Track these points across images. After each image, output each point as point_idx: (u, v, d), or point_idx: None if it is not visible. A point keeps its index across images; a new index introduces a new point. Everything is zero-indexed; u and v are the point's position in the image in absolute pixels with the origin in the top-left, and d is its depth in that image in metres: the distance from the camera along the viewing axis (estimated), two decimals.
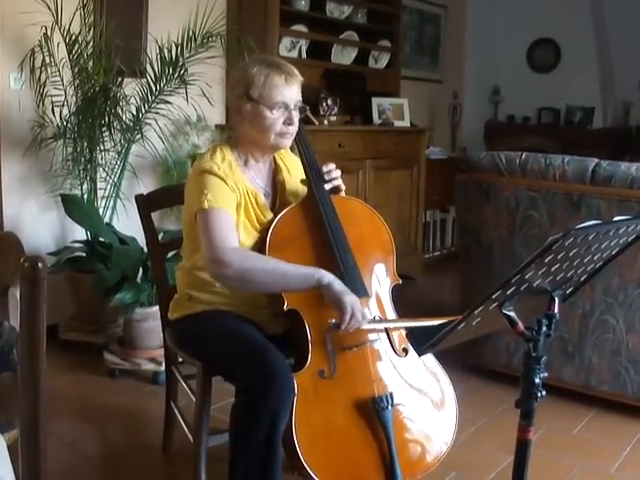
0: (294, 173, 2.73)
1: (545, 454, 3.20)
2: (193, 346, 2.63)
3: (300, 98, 2.57)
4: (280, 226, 2.53)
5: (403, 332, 2.60)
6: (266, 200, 2.64)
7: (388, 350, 2.54)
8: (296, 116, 2.55)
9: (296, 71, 2.57)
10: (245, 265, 2.36)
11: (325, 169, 2.65)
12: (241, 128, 2.61)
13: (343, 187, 2.73)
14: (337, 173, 2.67)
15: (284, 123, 2.52)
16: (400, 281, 2.71)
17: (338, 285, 2.38)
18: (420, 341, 2.20)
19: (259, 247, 2.53)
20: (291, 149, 2.76)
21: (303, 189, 2.68)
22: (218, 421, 2.94)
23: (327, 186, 2.64)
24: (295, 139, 2.66)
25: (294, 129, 2.56)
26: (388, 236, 2.74)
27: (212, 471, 2.60)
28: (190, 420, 2.74)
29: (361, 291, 2.51)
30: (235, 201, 2.50)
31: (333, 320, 2.37)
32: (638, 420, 3.59)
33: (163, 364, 3.31)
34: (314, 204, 2.59)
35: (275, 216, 2.57)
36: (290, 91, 2.51)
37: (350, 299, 2.35)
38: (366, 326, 2.43)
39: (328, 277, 2.37)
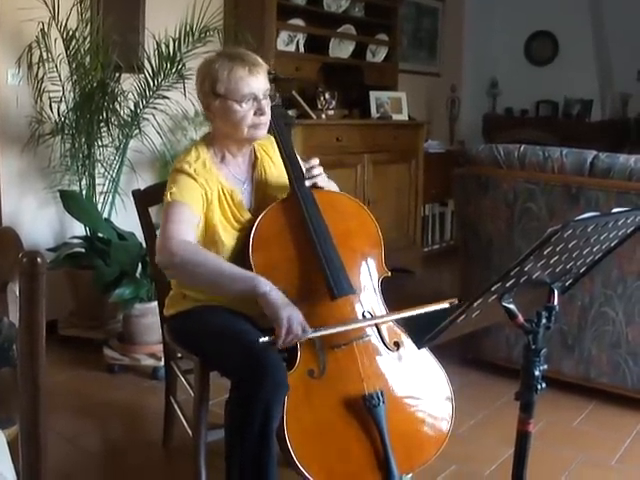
0: (279, 164, 2.71)
1: (545, 447, 3.20)
2: (188, 342, 2.63)
3: (268, 86, 2.55)
4: (262, 225, 2.52)
5: (394, 326, 2.59)
6: (247, 194, 2.63)
7: (379, 345, 2.53)
8: (267, 105, 2.54)
9: (260, 60, 2.55)
10: (188, 258, 2.37)
11: (307, 165, 2.64)
12: (214, 124, 2.62)
13: (326, 182, 2.71)
14: (319, 170, 2.65)
15: (255, 114, 2.51)
16: (389, 273, 2.68)
17: (275, 297, 2.33)
18: (419, 334, 2.20)
19: (242, 246, 2.53)
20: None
21: (287, 181, 2.66)
22: (217, 416, 2.92)
23: (308, 182, 2.61)
24: (274, 132, 2.66)
25: (266, 118, 2.55)
26: (375, 228, 2.70)
27: (211, 466, 2.60)
28: (189, 415, 2.75)
29: (347, 288, 2.50)
30: (202, 198, 2.50)
31: (265, 338, 2.30)
32: (638, 412, 3.59)
33: (162, 359, 3.31)
34: (295, 201, 2.58)
35: (255, 213, 2.56)
36: (256, 81, 2.50)
37: (286, 312, 2.30)
38: (311, 335, 2.35)
39: (265, 287, 2.33)
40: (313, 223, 2.53)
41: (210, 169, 2.55)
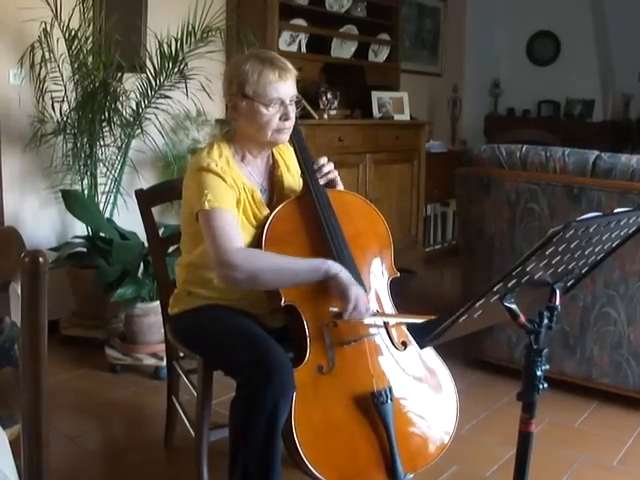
0: (294, 170, 2.72)
1: (547, 447, 3.20)
2: (193, 341, 2.62)
3: (295, 92, 2.54)
4: (276, 221, 2.52)
5: (402, 326, 2.60)
6: (263, 196, 2.63)
7: (387, 344, 2.54)
8: (292, 111, 2.53)
9: (289, 65, 2.54)
10: (254, 266, 2.36)
11: (317, 163, 2.65)
12: (238, 124, 2.60)
13: (339, 179, 2.73)
14: (330, 167, 2.66)
15: (280, 119, 2.50)
16: (398, 274, 2.70)
17: (345, 275, 2.38)
18: (422, 334, 2.20)
19: (256, 243, 2.52)
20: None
21: (301, 186, 2.67)
22: (220, 415, 2.94)
23: (322, 180, 2.63)
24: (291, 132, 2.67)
25: (291, 124, 2.54)
26: (385, 229, 2.72)
27: (214, 465, 2.60)
28: (192, 415, 2.75)
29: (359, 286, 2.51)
30: (235, 197, 2.48)
31: (335, 308, 2.38)
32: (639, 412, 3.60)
33: (164, 359, 3.32)
34: (310, 199, 2.58)
35: (271, 211, 2.56)
36: (285, 86, 2.48)
37: (356, 290, 2.37)
38: (367, 320, 2.43)
39: (335, 268, 2.38)
40: (327, 221, 2.54)
41: (233, 167, 2.53)
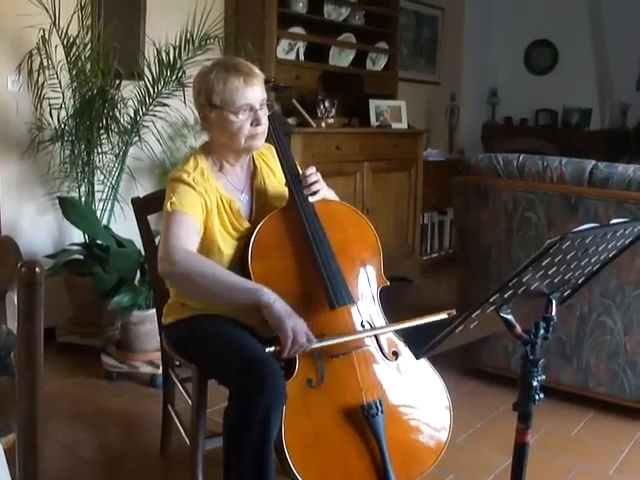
0: (279, 174, 2.71)
1: (543, 456, 3.20)
2: (187, 350, 2.62)
3: (265, 96, 2.54)
4: (262, 234, 2.51)
5: (393, 336, 2.59)
6: (245, 204, 2.63)
7: (377, 355, 2.52)
8: (264, 115, 2.52)
9: (256, 69, 2.54)
10: (190, 267, 2.37)
11: (304, 173, 2.63)
12: (211, 135, 2.62)
13: (324, 191, 2.70)
14: (316, 177, 2.63)
15: (252, 124, 2.50)
16: (388, 283, 2.68)
17: (279, 307, 2.32)
18: (418, 344, 2.20)
19: (241, 255, 2.53)
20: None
21: (287, 191, 2.65)
22: (215, 424, 2.93)
23: (307, 191, 2.60)
24: (273, 142, 2.66)
25: (263, 128, 2.54)
26: (374, 238, 2.70)
27: (209, 474, 2.59)
28: (187, 423, 2.74)
29: (346, 298, 2.50)
30: (202, 207, 2.49)
31: (272, 348, 2.29)
32: (636, 421, 3.59)
33: (160, 367, 3.31)
34: (295, 210, 2.57)
35: (254, 223, 2.56)
36: (252, 91, 2.48)
37: (292, 323, 2.30)
38: (316, 345, 2.34)
39: (269, 297, 2.32)
40: (312, 232, 2.53)
41: (208, 178, 2.54)
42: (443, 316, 2.44)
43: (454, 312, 2.42)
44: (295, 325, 2.29)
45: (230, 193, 2.59)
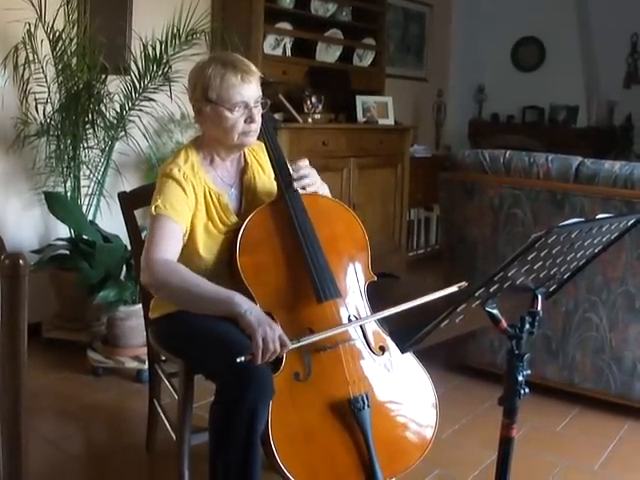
0: (269, 170, 2.71)
1: (528, 451, 3.21)
2: (173, 345, 2.63)
3: (260, 94, 2.55)
4: (249, 228, 2.51)
5: (380, 330, 2.59)
6: (233, 198, 2.64)
7: (364, 349, 2.52)
8: (258, 113, 2.54)
9: (253, 67, 2.55)
10: (165, 279, 2.40)
11: (294, 167, 2.63)
12: (204, 128, 2.62)
13: (316, 187, 2.69)
14: (306, 171, 2.63)
15: (246, 122, 2.51)
16: (375, 278, 2.69)
17: (250, 316, 2.31)
18: (403, 339, 2.20)
19: (228, 250, 2.53)
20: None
21: (275, 188, 2.65)
22: (201, 419, 2.92)
23: (296, 184, 2.60)
24: (263, 138, 2.66)
25: (256, 126, 2.55)
26: (362, 233, 2.70)
27: (195, 469, 2.59)
28: (173, 418, 2.74)
29: (333, 292, 2.50)
30: (188, 208, 2.50)
31: (242, 357, 2.23)
32: (621, 417, 3.61)
33: (146, 362, 3.31)
34: (283, 204, 2.57)
35: (242, 217, 2.56)
36: (248, 89, 2.50)
37: (261, 332, 2.26)
38: (292, 347, 2.32)
39: (241, 307, 2.32)
40: (301, 227, 2.53)
41: (198, 172, 2.55)
42: (454, 289, 2.44)
43: (465, 284, 2.41)
44: (265, 334, 2.26)
45: (219, 187, 2.60)
